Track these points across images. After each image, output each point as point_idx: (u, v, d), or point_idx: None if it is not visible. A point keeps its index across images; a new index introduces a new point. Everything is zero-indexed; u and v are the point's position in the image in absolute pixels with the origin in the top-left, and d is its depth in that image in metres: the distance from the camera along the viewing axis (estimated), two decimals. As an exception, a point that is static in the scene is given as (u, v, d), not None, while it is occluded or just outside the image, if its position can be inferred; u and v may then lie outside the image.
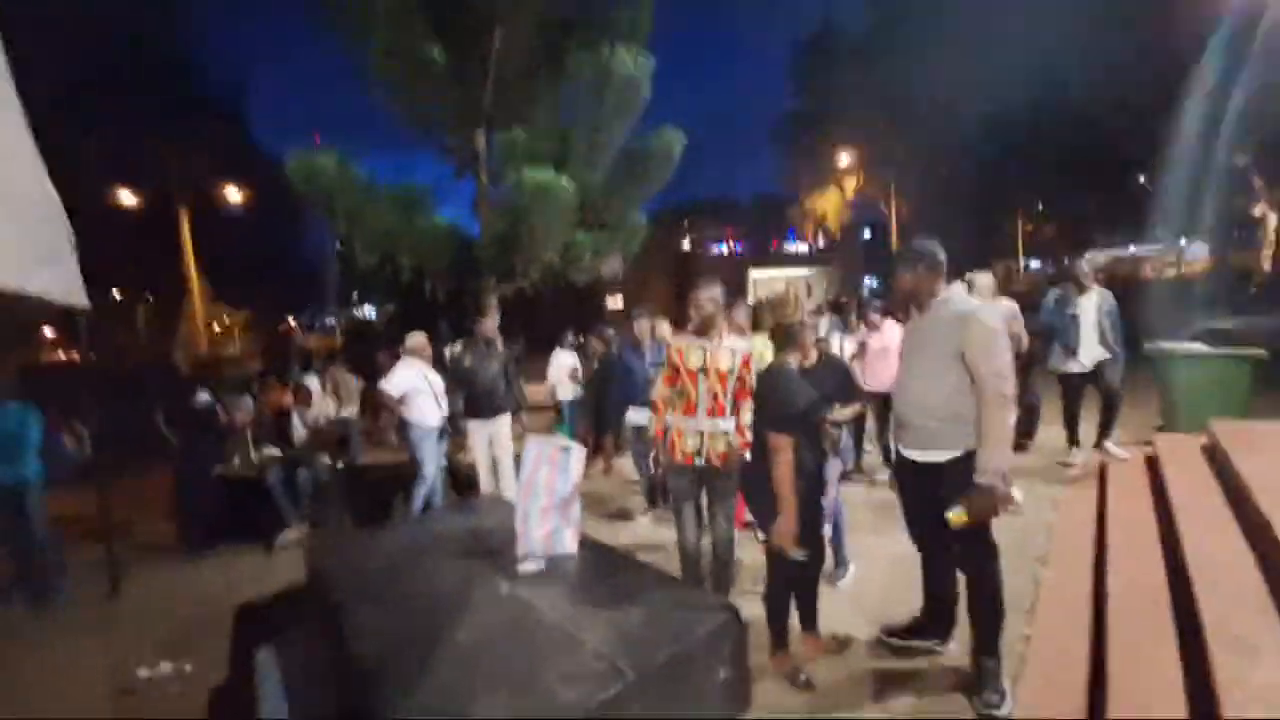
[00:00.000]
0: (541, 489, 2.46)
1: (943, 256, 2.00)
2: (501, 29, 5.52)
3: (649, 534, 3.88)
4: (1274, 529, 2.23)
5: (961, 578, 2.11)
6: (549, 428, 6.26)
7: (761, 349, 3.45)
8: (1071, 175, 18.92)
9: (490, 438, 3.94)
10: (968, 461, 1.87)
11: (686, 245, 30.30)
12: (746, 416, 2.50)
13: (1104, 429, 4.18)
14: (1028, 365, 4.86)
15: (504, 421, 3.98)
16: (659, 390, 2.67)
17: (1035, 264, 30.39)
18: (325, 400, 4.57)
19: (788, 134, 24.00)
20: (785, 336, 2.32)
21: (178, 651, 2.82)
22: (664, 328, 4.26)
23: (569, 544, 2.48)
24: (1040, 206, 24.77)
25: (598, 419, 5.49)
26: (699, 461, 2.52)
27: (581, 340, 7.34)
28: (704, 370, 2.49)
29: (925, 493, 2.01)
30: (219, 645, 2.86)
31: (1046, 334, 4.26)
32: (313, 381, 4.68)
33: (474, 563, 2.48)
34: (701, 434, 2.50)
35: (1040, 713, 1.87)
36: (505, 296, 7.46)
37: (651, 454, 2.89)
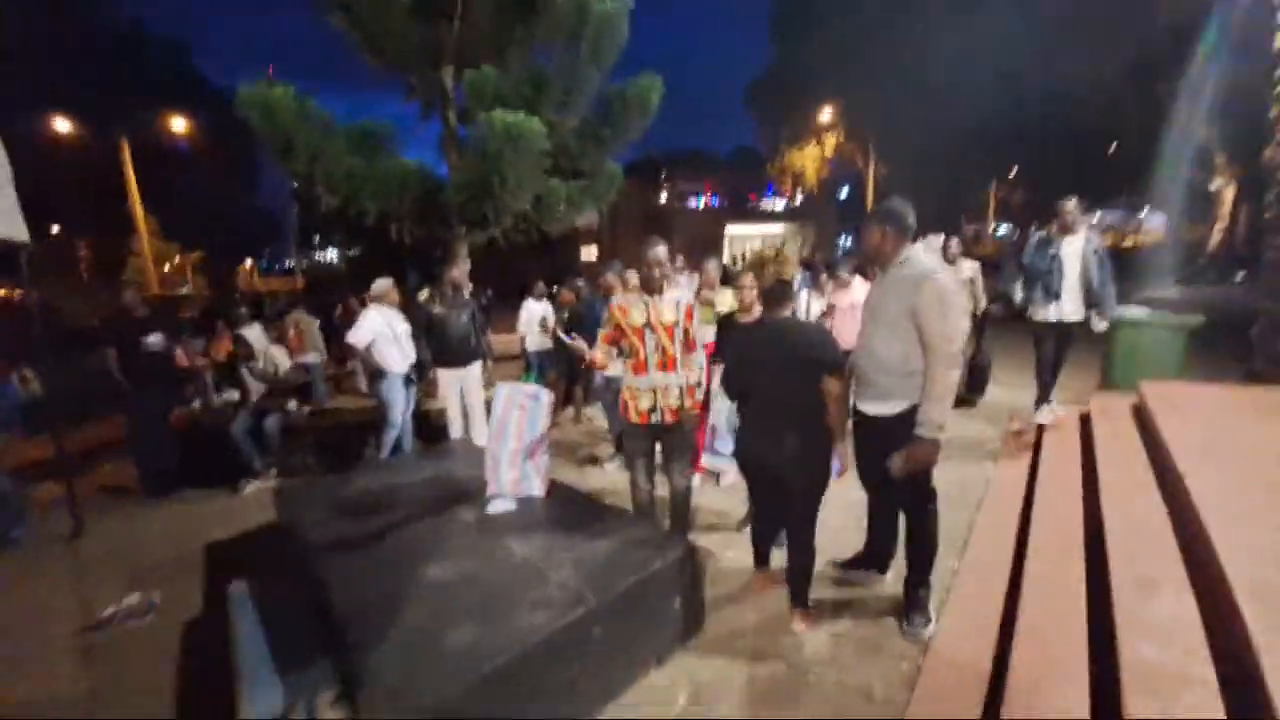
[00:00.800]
0: (511, 434, 2.53)
1: (912, 219, 2.06)
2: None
3: (617, 479, 4.02)
4: (1185, 481, 2.47)
5: (903, 518, 2.30)
6: (517, 377, 6.30)
7: (730, 301, 3.52)
8: (1044, 143, 19.16)
9: (460, 385, 3.97)
10: (912, 414, 2.01)
11: (663, 198, 29.80)
12: (695, 374, 2.53)
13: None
14: (982, 325, 5.08)
15: (474, 369, 4.01)
16: (597, 348, 2.57)
17: (1005, 229, 31.05)
18: (271, 349, 4.45)
19: (769, 87, 23.40)
20: (783, 292, 2.25)
21: (144, 588, 2.85)
22: (635, 281, 4.27)
23: (537, 487, 2.58)
24: (1012, 173, 25.10)
25: (568, 369, 5.55)
26: (654, 419, 2.51)
27: (553, 291, 7.30)
28: (649, 325, 2.47)
29: (876, 442, 2.15)
30: (187, 582, 2.90)
31: (1029, 277, 3.94)
32: (253, 331, 4.53)
33: (444, 504, 2.57)
34: (654, 390, 2.49)
35: (959, 638, 2.09)
36: (476, 245, 7.30)
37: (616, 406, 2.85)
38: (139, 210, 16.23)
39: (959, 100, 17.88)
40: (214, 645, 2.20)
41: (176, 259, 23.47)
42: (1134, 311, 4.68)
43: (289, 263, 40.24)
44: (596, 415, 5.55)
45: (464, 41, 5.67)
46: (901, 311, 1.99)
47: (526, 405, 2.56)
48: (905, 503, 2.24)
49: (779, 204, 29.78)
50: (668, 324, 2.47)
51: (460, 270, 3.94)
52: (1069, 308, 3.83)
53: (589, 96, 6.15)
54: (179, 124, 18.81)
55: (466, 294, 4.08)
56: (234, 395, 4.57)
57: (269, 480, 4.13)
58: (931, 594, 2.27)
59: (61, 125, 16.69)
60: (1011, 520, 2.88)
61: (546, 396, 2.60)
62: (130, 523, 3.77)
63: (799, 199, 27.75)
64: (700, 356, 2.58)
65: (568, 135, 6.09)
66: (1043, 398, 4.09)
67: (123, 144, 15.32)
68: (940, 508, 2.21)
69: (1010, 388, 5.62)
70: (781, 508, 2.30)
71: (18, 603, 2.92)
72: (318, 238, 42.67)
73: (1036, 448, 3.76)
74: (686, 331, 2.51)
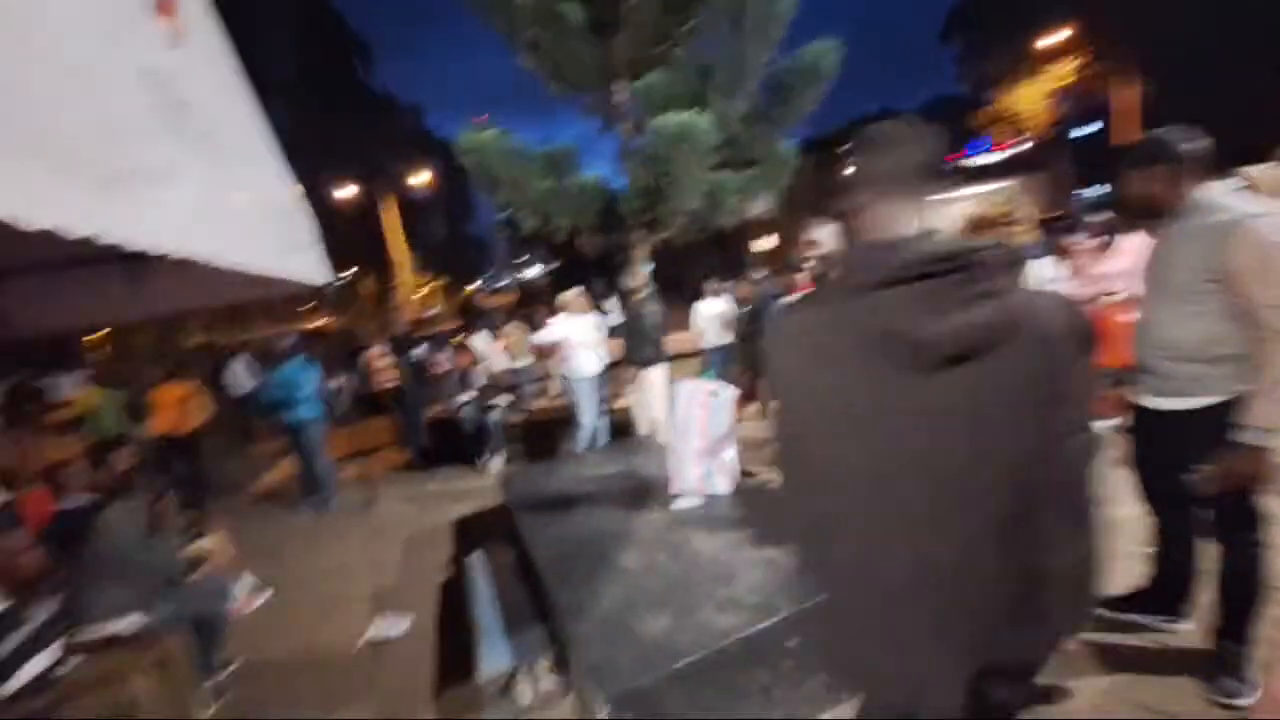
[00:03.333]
0: (694, 431, 2.55)
1: (1191, 148, 1.53)
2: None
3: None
4: None
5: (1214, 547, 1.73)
6: (696, 375, 6.40)
7: None
8: None
9: (646, 385, 4.18)
10: (1226, 410, 1.49)
11: (846, 174, 27.55)
12: None
13: None
14: None
15: (655, 370, 4.17)
16: None
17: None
18: (496, 354, 5.29)
19: (966, 22, 19.90)
20: (1014, 257, 1.82)
21: (414, 549, 3.61)
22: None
23: (722, 484, 2.56)
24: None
25: (752, 363, 5.45)
26: None
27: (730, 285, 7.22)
28: None
29: (1167, 447, 1.65)
30: (443, 549, 3.59)
31: None
32: (479, 339, 5.42)
33: (632, 497, 2.71)
34: None
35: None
36: (654, 247, 7.58)
37: None
38: (401, 251, 20.51)
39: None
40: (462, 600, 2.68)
41: (427, 288, 29.16)
42: None
43: (506, 281, 47.12)
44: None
45: (632, 51, 5.95)
46: (1202, 274, 1.49)
47: (708, 402, 2.56)
48: (1218, 529, 1.68)
49: (995, 157, 25.35)
50: None
51: (633, 275, 4.14)
52: None
53: (757, 78, 5.95)
54: (423, 176, 23.24)
55: (645, 297, 4.26)
56: (465, 397, 5.50)
57: (498, 461, 4.94)
58: (1250, 651, 1.67)
59: (348, 189, 21.92)
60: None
61: (729, 393, 2.56)
62: (406, 498, 4.81)
63: (1024, 148, 23.18)
64: None
65: (737, 123, 5.98)
66: None
67: (388, 199, 19.48)
68: (1266, 534, 1.62)
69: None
70: None
71: (326, 560, 3.89)
72: (525, 258, 49.26)
73: None
74: None
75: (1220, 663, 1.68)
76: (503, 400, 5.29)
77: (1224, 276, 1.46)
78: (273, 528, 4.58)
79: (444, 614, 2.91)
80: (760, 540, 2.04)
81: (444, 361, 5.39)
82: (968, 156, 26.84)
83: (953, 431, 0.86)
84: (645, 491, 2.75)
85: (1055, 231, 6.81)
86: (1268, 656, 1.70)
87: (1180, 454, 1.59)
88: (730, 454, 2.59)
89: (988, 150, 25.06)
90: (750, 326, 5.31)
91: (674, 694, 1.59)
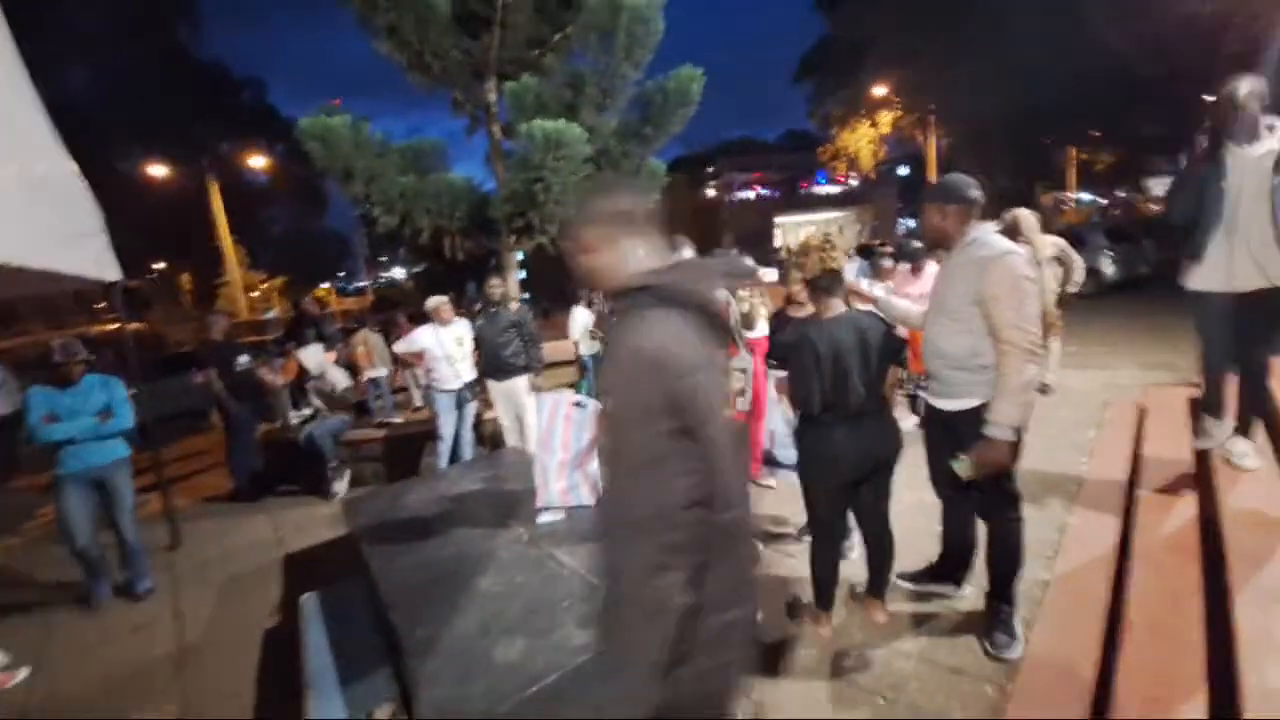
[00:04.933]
0: (558, 444, 2.51)
1: (974, 194, 1.86)
2: (506, -31, 5.24)
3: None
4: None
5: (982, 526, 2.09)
6: (573, 382, 6.36)
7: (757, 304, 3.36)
8: (1132, 99, 17.26)
9: (508, 396, 4.03)
10: (986, 412, 1.82)
11: (712, 192, 29.41)
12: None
13: (1243, 410, 2.54)
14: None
15: (518, 381, 4.04)
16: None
17: (1085, 196, 28.40)
18: (329, 370, 4.74)
19: (816, 67, 22.47)
20: (832, 283, 2.03)
21: (231, 598, 3.07)
22: None
23: (586, 497, 2.55)
24: (1096, 133, 22.86)
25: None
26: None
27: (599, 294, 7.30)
28: None
29: (947, 441, 1.97)
30: (267, 593, 3.10)
31: (1181, 224, 2.42)
32: (309, 352, 4.84)
33: (495, 514, 2.59)
34: None
35: (1053, 659, 1.88)
36: (527, 253, 7.41)
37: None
38: (228, 243, 17.75)
39: (1031, 57, 16.46)
40: (291, 653, 2.33)
41: (262, 286, 25.54)
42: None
43: (362, 282, 42.90)
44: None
45: (504, 50, 5.79)
46: (967, 298, 1.80)
47: (572, 414, 2.54)
48: (982, 509, 2.03)
49: (833, 189, 28.67)
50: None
51: (498, 284, 4.00)
52: (1249, 270, 2.23)
53: (627, 95, 6.13)
54: (259, 160, 20.41)
55: (513, 306, 4.13)
56: (307, 412, 4.87)
57: (341, 485, 4.40)
58: (1017, 610, 2.05)
59: (158, 170, 18.47)
60: (1111, 523, 2.57)
61: (593, 406, 2.57)
62: (222, 534, 4.08)
63: (854, 183, 26.58)
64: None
65: (609, 136, 6.09)
66: (1208, 409, 2.60)
67: (211, 183, 16.78)
68: (1025, 512, 2.00)
69: (1100, 368, 5.12)
70: (847, 511, 2.21)
71: (113, 620, 3.12)
72: (385, 257, 45.29)
73: (1138, 435, 3.37)
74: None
75: (993, 621, 2.03)
76: (345, 417, 4.74)
77: (982, 300, 1.79)
78: (42, 579, 3.64)
79: (265, 669, 2.51)
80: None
81: (271, 374, 4.68)
82: (813, 186, 30.10)
83: None
84: (508, 508, 2.65)
85: (876, 257, 7.91)
86: (1029, 614, 2.10)
87: (956, 447, 1.91)
88: (594, 465, 2.59)
89: (826, 182, 28.32)
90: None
91: (527, 717, 1.53)
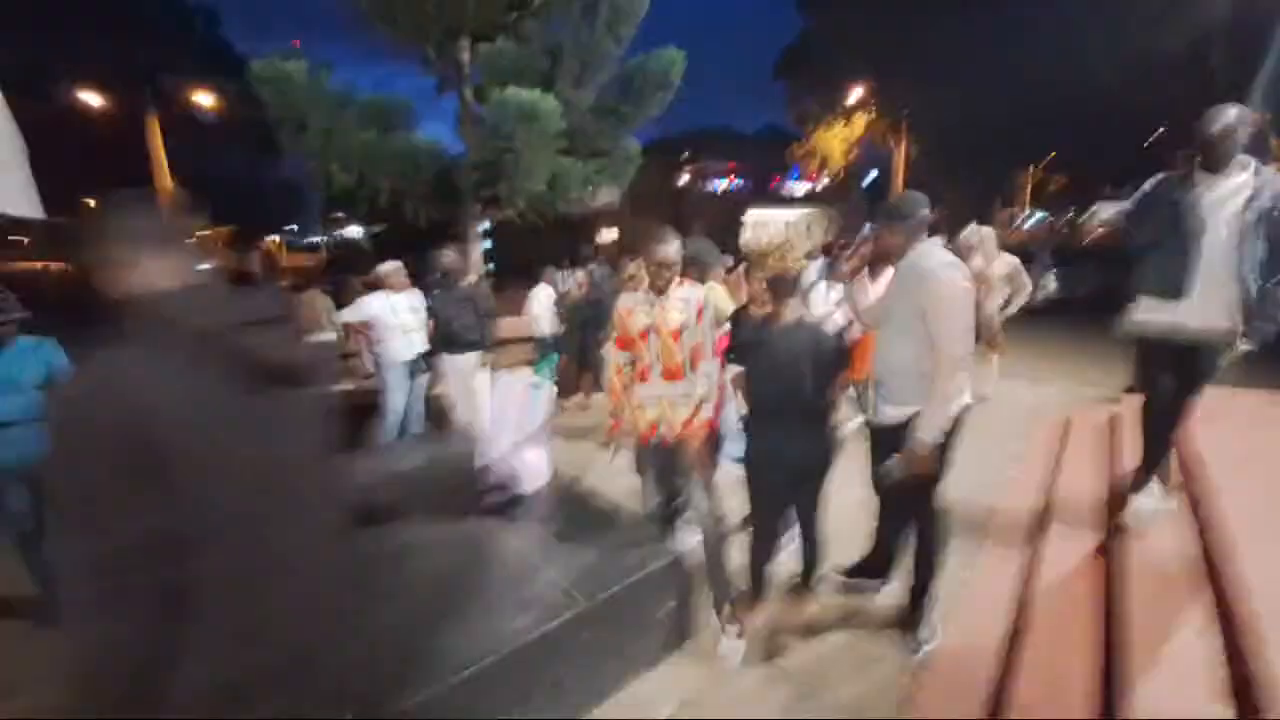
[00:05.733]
0: (510, 425, 2.48)
1: (925, 213, 1.93)
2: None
3: (619, 467, 3.97)
4: (1218, 498, 2.32)
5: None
6: (530, 360, 6.27)
7: (718, 299, 3.36)
8: (1086, 130, 18.20)
9: (461, 372, 3.93)
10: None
11: (685, 180, 29.29)
12: (701, 387, 2.17)
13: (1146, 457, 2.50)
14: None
15: (469, 357, 3.94)
16: (611, 357, 2.35)
17: (1039, 215, 29.84)
18: None
19: (797, 62, 22.54)
20: (788, 285, 2.10)
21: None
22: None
23: (535, 479, 2.54)
24: (1051, 156, 24.00)
25: (579, 354, 5.49)
26: (661, 432, 2.23)
27: (570, 269, 7.20)
28: (653, 329, 2.17)
29: (887, 447, 2.05)
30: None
31: (1137, 248, 2.35)
32: None
33: (437, 495, 2.55)
34: (661, 401, 2.21)
35: (960, 656, 2.01)
36: (494, 224, 7.20)
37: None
38: (167, 185, 16.47)
39: (997, 77, 17.06)
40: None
41: (204, 233, 23.93)
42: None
43: (315, 237, 40.76)
44: (605, 404, 5.50)
45: (480, 10, 5.53)
46: (910, 310, 1.88)
47: (526, 397, 2.51)
48: (911, 509, 2.14)
49: (803, 188, 29.03)
50: (673, 327, 2.15)
51: (452, 257, 3.84)
52: (1202, 310, 2.18)
53: (607, 71, 5.99)
54: (206, 98, 18.96)
55: (467, 280, 4.00)
56: None
57: None
58: (937, 606, 2.18)
59: (93, 98, 16.90)
60: (1027, 531, 2.75)
61: (548, 388, 2.54)
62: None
63: (824, 183, 26.98)
64: (711, 365, 2.22)
65: (585, 113, 5.96)
66: (1145, 468, 2.50)
67: (151, 117, 15.48)
68: (953, 511, 2.12)
69: (1033, 381, 5.44)
70: (788, 508, 2.26)
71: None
72: (342, 214, 43.09)
73: (1061, 451, 3.60)
74: (696, 335, 2.17)
75: (914, 616, 2.15)
76: None
77: (922, 312, 1.86)
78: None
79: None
80: None
81: None
82: (785, 182, 30.38)
83: None
84: (452, 488, 2.60)
85: (835, 256, 8.09)
86: (947, 609, 2.23)
87: (893, 452, 1.99)
88: (543, 450, 2.58)
89: (797, 179, 28.67)
90: (582, 318, 5.35)
91: (461, 703, 1.53)
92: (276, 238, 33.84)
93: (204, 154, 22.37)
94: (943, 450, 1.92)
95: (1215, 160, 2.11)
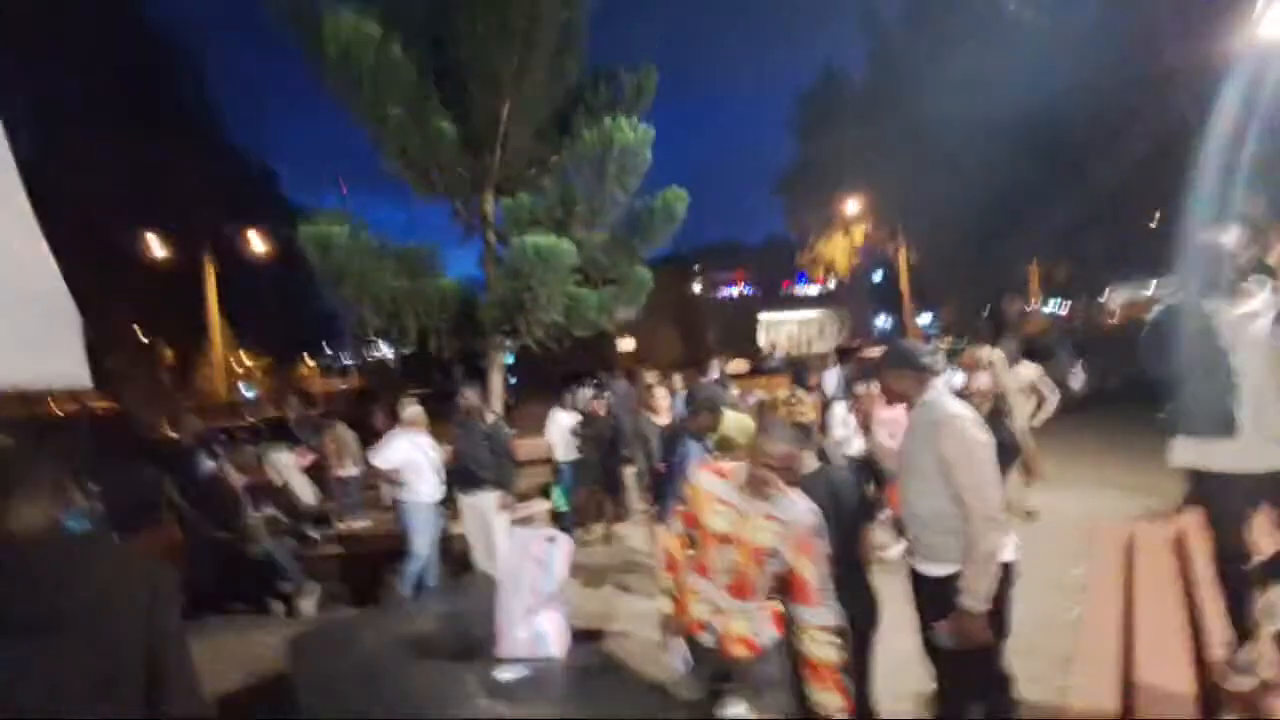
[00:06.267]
0: (525, 588, 2.37)
1: (927, 360, 1.94)
2: (509, 100, 5.75)
3: (646, 611, 3.72)
4: None
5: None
6: (545, 485, 6.19)
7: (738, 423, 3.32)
8: (1084, 214, 18.86)
9: (477, 512, 3.87)
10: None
11: (697, 288, 30.63)
12: (815, 647, 1.60)
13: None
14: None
15: (486, 496, 3.89)
16: (675, 527, 1.93)
17: (1050, 306, 29.98)
18: (294, 479, 4.54)
19: (794, 183, 24.42)
20: (803, 436, 1.94)
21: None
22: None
23: (553, 647, 2.37)
24: (1051, 247, 24.69)
25: (602, 481, 5.41)
26: (707, 640, 1.75)
27: (589, 383, 7.31)
28: (729, 540, 1.68)
29: (930, 606, 1.89)
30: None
31: (1161, 379, 2.19)
32: (282, 457, 4.67)
33: (454, 664, 2.38)
34: (715, 608, 1.73)
35: None
36: (515, 351, 7.48)
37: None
38: (216, 324, 17.78)
39: (986, 180, 18.09)
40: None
41: (246, 365, 25.29)
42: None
43: (348, 361, 42.67)
44: (629, 535, 5.30)
45: (503, 168, 6.21)
46: (930, 461, 1.81)
47: (543, 552, 2.41)
48: (972, 679, 1.91)
49: (812, 289, 30.02)
50: (759, 547, 1.64)
51: (471, 396, 3.96)
52: (1260, 446, 1.96)
53: (616, 213, 6.52)
54: (260, 245, 20.89)
55: (488, 418, 4.08)
56: (268, 511, 4.58)
57: (309, 602, 4.09)
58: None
59: (158, 247, 18.73)
60: (1112, 682, 2.42)
61: (564, 543, 2.45)
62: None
63: (832, 285, 27.93)
64: (823, 613, 1.63)
65: (596, 249, 6.41)
66: (1234, 624, 2.17)
67: (208, 264, 17.10)
68: (1020, 666, 1.89)
69: (1079, 491, 5.12)
70: None
71: None
72: (374, 337, 45.39)
73: (1128, 576, 3.28)
74: (791, 570, 1.63)
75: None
76: (312, 531, 4.47)
77: (942, 462, 1.78)
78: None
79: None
80: None
81: (237, 474, 4.44)
82: (794, 286, 31.53)
83: None
84: (467, 655, 2.43)
85: (850, 361, 8.15)
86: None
87: (937, 613, 1.82)
88: (563, 612, 2.43)
89: (805, 283, 29.76)
90: (602, 444, 5.34)
91: None
92: (313, 363, 35.57)
93: (251, 290, 24.27)
94: (995, 612, 1.76)
95: (1223, 285, 2.00)
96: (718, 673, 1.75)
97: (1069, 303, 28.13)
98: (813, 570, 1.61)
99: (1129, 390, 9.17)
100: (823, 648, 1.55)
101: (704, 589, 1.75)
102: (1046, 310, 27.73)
